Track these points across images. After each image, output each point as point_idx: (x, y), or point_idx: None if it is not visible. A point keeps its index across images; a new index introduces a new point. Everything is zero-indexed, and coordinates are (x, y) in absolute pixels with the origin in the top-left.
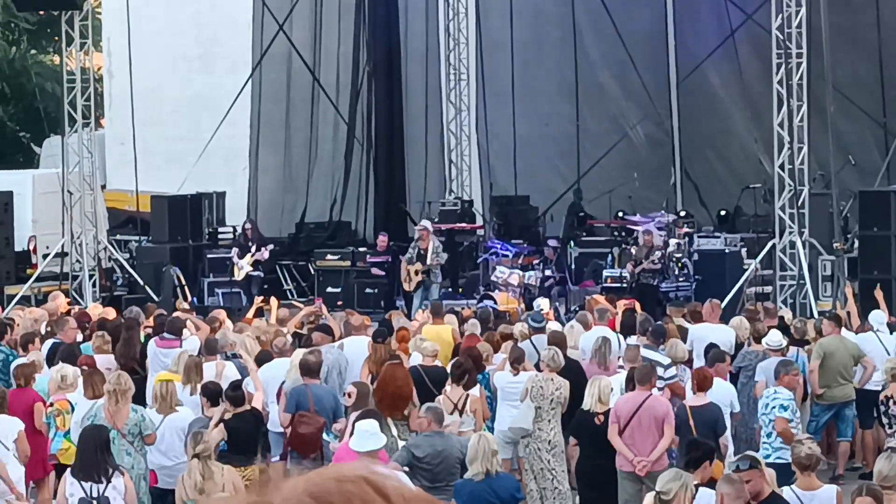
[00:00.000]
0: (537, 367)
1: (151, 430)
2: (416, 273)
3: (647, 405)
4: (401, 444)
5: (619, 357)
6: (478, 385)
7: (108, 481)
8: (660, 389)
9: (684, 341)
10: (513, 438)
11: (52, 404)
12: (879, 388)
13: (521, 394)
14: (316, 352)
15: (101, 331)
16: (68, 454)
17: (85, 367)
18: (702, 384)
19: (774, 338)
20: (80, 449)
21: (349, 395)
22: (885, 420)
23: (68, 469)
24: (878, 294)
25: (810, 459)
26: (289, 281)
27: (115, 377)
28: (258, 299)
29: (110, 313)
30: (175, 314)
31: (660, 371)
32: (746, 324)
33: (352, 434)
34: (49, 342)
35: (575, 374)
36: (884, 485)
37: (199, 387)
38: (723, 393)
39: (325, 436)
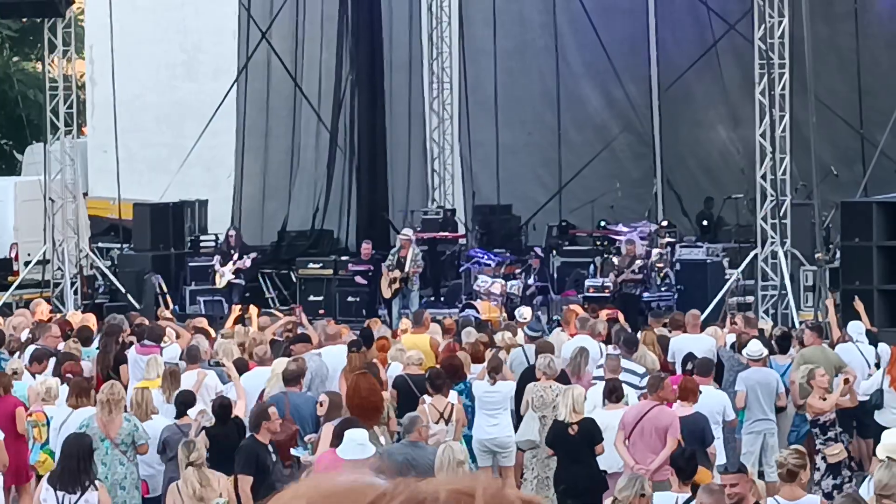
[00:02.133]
0: (528, 376)
1: (144, 440)
2: (395, 280)
3: (650, 415)
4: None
5: (599, 366)
6: (454, 393)
7: (83, 493)
8: (638, 398)
9: (665, 351)
10: (491, 448)
11: (30, 415)
12: (864, 399)
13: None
14: (299, 360)
15: (75, 337)
16: (46, 466)
17: (69, 375)
18: (686, 394)
19: (754, 348)
20: (62, 456)
21: (321, 405)
22: (814, 430)
23: (46, 475)
24: (859, 305)
25: (781, 468)
26: (271, 289)
27: (109, 386)
28: (236, 308)
29: (90, 320)
30: (135, 322)
31: (635, 381)
32: (720, 332)
33: (333, 443)
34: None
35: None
36: (883, 493)
37: (174, 395)
38: (716, 401)
39: (293, 450)
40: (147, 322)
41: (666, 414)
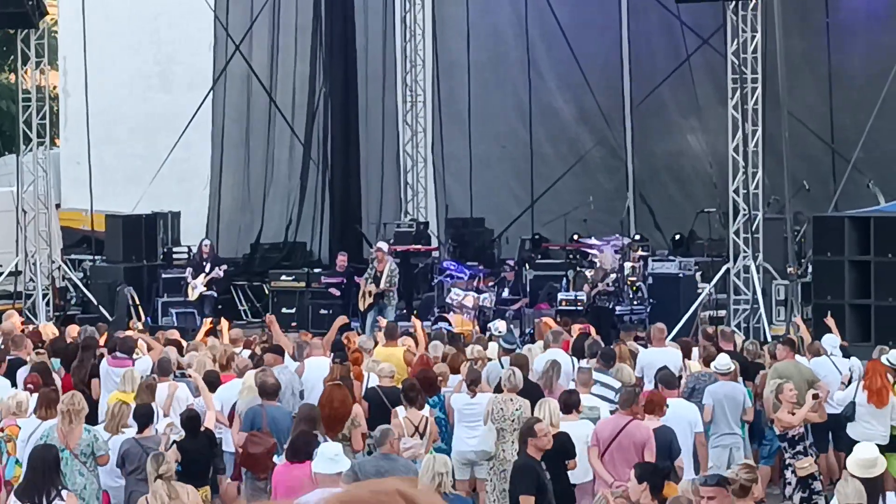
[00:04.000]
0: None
1: (104, 450)
2: (370, 294)
3: (627, 430)
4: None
5: (571, 380)
6: (426, 406)
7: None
8: (611, 413)
9: (634, 365)
10: (470, 460)
11: (2, 430)
12: (837, 412)
13: (483, 416)
14: (268, 372)
15: (44, 349)
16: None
17: (30, 386)
18: (652, 408)
19: (723, 361)
20: (28, 468)
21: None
22: (783, 444)
23: (13, 489)
24: (830, 321)
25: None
26: (243, 301)
27: (69, 397)
28: (207, 321)
29: (71, 331)
30: (128, 333)
31: (610, 395)
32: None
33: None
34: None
35: (534, 397)
36: None
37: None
38: (692, 413)
39: (275, 458)
40: (120, 334)
41: (642, 429)
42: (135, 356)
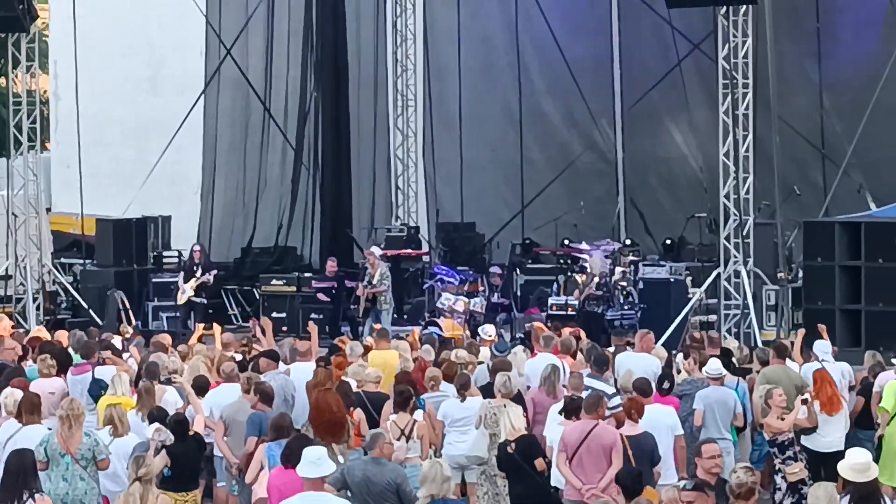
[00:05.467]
0: (487, 392)
1: (105, 455)
2: (366, 298)
3: (594, 434)
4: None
5: (563, 385)
6: (421, 410)
7: None
8: (604, 419)
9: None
10: (460, 464)
11: None
12: None
13: (476, 421)
14: (252, 377)
15: (45, 354)
16: None
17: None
18: (630, 414)
19: (714, 366)
20: (4, 472)
21: None
22: (773, 449)
23: None
24: (822, 329)
25: (741, 488)
26: (234, 306)
27: (68, 402)
28: (200, 326)
29: (63, 337)
30: (99, 337)
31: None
32: (663, 352)
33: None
34: None
35: (520, 403)
36: None
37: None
38: (665, 417)
39: None
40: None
41: (609, 432)
42: (93, 361)
